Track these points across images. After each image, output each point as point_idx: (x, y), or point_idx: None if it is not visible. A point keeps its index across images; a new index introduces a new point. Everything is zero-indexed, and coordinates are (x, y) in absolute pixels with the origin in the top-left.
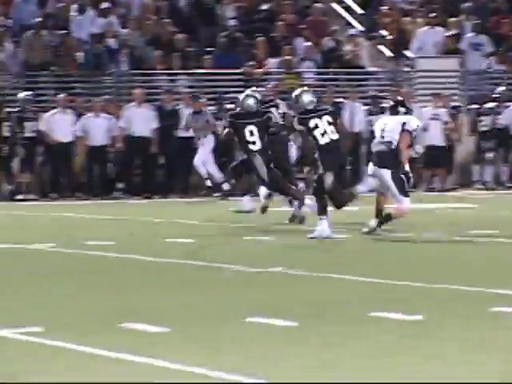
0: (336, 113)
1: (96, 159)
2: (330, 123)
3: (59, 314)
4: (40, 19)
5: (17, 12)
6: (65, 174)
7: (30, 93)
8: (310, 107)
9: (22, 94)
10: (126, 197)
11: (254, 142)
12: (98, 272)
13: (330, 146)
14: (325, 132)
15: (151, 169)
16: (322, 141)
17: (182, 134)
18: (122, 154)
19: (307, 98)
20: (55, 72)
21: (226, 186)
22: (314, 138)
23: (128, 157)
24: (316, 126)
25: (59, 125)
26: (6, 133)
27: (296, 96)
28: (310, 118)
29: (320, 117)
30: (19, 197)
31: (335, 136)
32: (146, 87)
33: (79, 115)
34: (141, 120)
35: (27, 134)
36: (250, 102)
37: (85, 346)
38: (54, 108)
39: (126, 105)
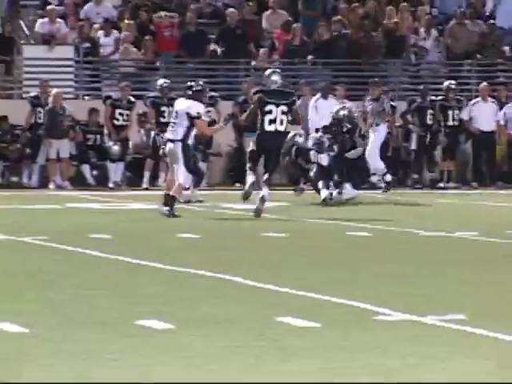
0: (293, 104)
1: None
2: (283, 113)
3: (481, 302)
4: (463, 9)
5: (441, 1)
6: (487, 163)
7: (453, 82)
8: (274, 87)
9: (446, 83)
10: None
11: None
12: None
13: (270, 135)
14: (274, 120)
15: None
16: (267, 128)
17: None
18: None
19: (274, 78)
20: (479, 61)
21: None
22: (262, 121)
23: None
24: (270, 112)
25: (482, 114)
26: (428, 121)
27: (266, 75)
28: (269, 103)
29: (277, 105)
30: (441, 185)
31: (282, 127)
32: None
33: (501, 104)
34: None
35: (450, 123)
36: None
37: (508, 334)
38: (476, 97)
39: None
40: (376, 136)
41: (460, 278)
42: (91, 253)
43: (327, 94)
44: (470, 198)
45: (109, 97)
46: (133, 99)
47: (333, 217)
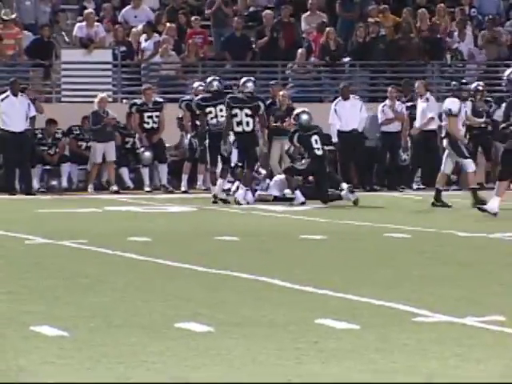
0: (257, 107)
1: None
2: (247, 115)
3: None
4: (495, 13)
5: (480, 2)
6: None
7: (481, 83)
8: (246, 91)
9: (474, 84)
10: None
11: None
12: None
13: (242, 136)
14: (240, 122)
15: None
16: (236, 129)
17: None
18: None
19: (249, 84)
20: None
21: None
22: (231, 123)
23: None
24: (235, 115)
25: None
26: None
27: (241, 83)
28: (236, 107)
29: (241, 108)
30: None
31: (249, 128)
32: None
33: None
34: None
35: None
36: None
37: None
38: None
39: None
40: None
41: (500, 279)
42: (130, 256)
43: (347, 96)
44: (509, 199)
45: (134, 104)
46: (160, 99)
47: (370, 219)
